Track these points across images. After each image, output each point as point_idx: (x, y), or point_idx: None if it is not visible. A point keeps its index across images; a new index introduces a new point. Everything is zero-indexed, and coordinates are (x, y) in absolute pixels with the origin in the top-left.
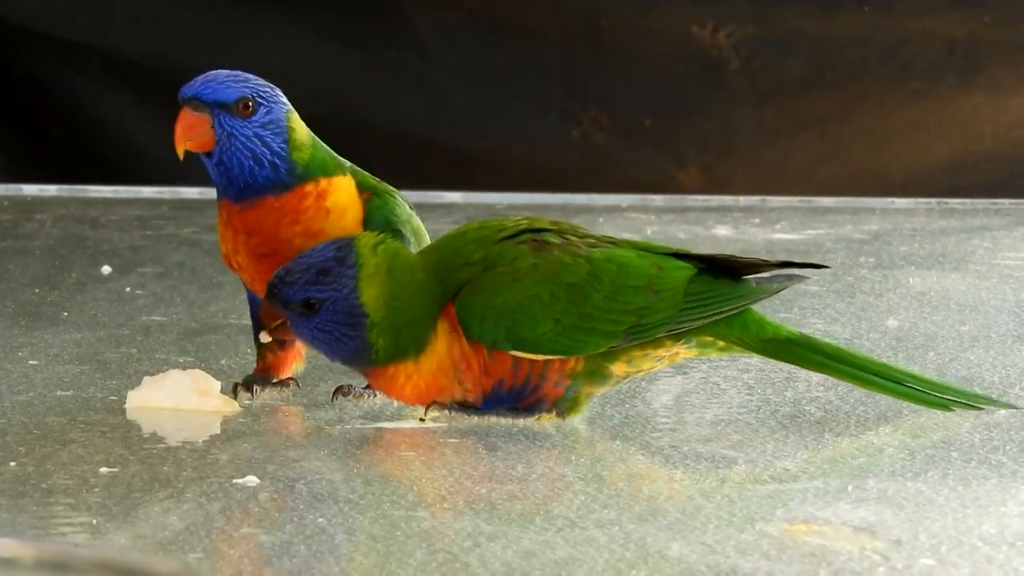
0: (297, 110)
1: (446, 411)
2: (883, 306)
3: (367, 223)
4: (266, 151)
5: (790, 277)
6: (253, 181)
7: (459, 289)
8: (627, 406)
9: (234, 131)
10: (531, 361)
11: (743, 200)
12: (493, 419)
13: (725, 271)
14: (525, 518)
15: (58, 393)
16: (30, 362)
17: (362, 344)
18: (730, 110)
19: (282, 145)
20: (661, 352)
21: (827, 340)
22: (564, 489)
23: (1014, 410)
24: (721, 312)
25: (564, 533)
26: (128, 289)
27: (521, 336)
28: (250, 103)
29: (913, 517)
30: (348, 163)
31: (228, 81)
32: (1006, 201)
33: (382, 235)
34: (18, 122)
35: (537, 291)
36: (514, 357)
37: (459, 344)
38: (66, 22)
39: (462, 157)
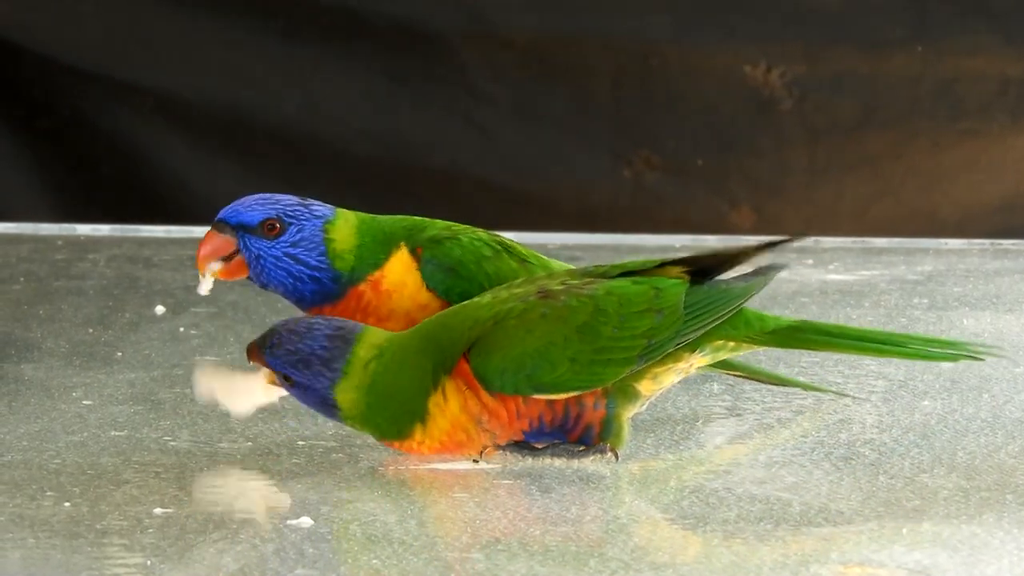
0: (347, 149)
1: (501, 452)
2: None
3: (428, 283)
4: (303, 268)
5: (772, 268)
6: (302, 297)
7: (469, 347)
8: (680, 448)
9: (261, 253)
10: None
11: (796, 241)
12: (547, 460)
13: (714, 269)
14: (579, 560)
15: (112, 433)
16: (84, 402)
17: (340, 420)
18: (782, 150)
19: (320, 259)
20: (681, 364)
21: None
22: (618, 531)
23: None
24: (721, 315)
25: (619, 575)
26: (182, 329)
27: (541, 381)
28: (276, 224)
29: (968, 560)
30: (403, 219)
31: (254, 204)
32: None
33: (381, 349)
34: (71, 162)
35: (551, 337)
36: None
37: (476, 399)
38: (117, 62)
39: (512, 196)
